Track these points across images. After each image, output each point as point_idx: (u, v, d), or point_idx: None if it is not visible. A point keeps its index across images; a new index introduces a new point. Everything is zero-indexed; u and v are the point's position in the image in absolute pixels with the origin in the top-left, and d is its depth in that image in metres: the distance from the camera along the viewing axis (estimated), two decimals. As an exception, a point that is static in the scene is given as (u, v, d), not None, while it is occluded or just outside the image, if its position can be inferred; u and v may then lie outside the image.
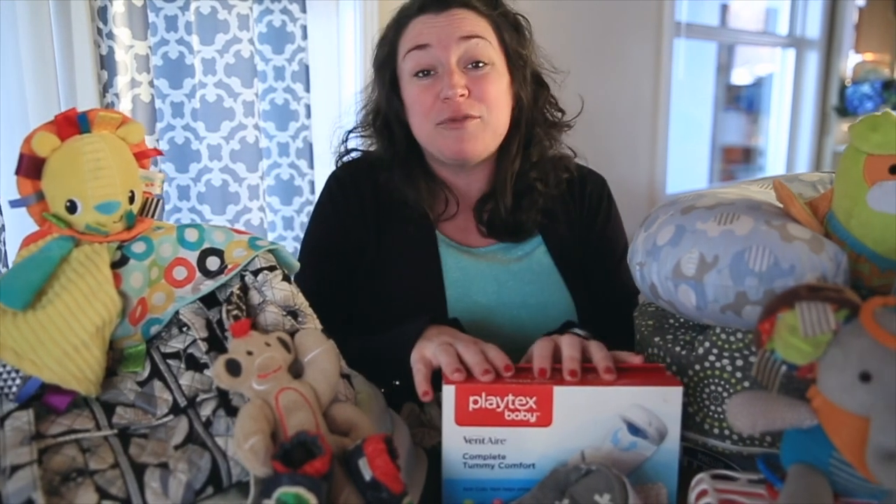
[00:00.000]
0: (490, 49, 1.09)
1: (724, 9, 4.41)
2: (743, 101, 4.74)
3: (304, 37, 1.84)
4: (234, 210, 1.74)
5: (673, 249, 0.75)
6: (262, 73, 1.83)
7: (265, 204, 1.81)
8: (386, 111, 1.15)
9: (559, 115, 1.21)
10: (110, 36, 1.46)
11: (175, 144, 1.69)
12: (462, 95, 1.05)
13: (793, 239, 0.69)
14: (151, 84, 1.55)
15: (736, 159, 4.78)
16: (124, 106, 1.50)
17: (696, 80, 4.20)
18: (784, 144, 4.42)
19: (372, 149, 1.21)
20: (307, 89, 1.86)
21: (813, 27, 4.26)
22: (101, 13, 1.45)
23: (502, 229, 1.16)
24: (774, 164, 4.49)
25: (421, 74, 1.09)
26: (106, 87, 1.48)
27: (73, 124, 0.71)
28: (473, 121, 1.07)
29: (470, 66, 1.08)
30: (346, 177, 1.20)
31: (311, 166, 1.91)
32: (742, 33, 4.43)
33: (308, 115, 1.88)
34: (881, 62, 4.47)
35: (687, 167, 4.08)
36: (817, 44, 4.26)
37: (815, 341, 0.56)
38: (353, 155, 1.23)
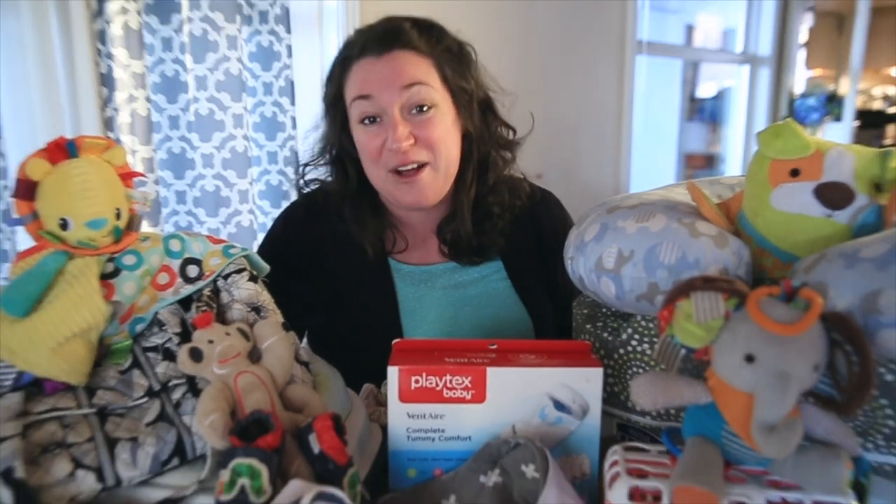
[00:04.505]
0: (433, 92, 1.02)
1: (690, 29, 4.44)
2: (705, 113, 4.77)
3: (290, 55, 1.85)
4: (226, 213, 1.75)
5: (597, 245, 0.76)
6: (252, 88, 1.84)
7: (255, 207, 1.82)
8: (339, 148, 1.11)
9: (510, 132, 1.16)
10: (109, 56, 1.47)
11: (172, 153, 1.70)
12: (408, 144, 1.01)
13: (699, 235, 0.71)
14: (148, 99, 1.57)
15: (699, 165, 4.81)
16: (123, 119, 1.51)
17: (664, 93, 4.23)
18: (740, 151, 4.45)
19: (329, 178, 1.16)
20: (292, 103, 1.88)
21: (765, 46, 4.28)
22: (101, 36, 1.47)
23: (466, 251, 1.12)
24: (732, 169, 4.52)
25: (367, 121, 1.03)
26: (106, 102, 1.49)
27: (62, 150, 0.72)
28: (424, 170, 1.03)
29: (414, 111, 1.01)
30: (299, 210, 1.17)
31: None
32: (701, 51, 4.45)
33: (294, 126, 1.89)
34: (828, 77, 4.51)
35: (654, 173, 4.11)
36: (768, 60, 4.29)
37: (708, 326, 0.57)
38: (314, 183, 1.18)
